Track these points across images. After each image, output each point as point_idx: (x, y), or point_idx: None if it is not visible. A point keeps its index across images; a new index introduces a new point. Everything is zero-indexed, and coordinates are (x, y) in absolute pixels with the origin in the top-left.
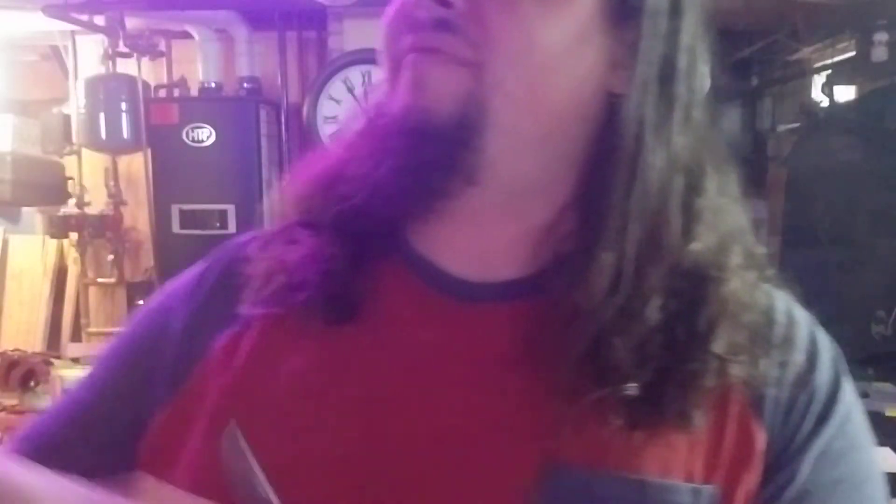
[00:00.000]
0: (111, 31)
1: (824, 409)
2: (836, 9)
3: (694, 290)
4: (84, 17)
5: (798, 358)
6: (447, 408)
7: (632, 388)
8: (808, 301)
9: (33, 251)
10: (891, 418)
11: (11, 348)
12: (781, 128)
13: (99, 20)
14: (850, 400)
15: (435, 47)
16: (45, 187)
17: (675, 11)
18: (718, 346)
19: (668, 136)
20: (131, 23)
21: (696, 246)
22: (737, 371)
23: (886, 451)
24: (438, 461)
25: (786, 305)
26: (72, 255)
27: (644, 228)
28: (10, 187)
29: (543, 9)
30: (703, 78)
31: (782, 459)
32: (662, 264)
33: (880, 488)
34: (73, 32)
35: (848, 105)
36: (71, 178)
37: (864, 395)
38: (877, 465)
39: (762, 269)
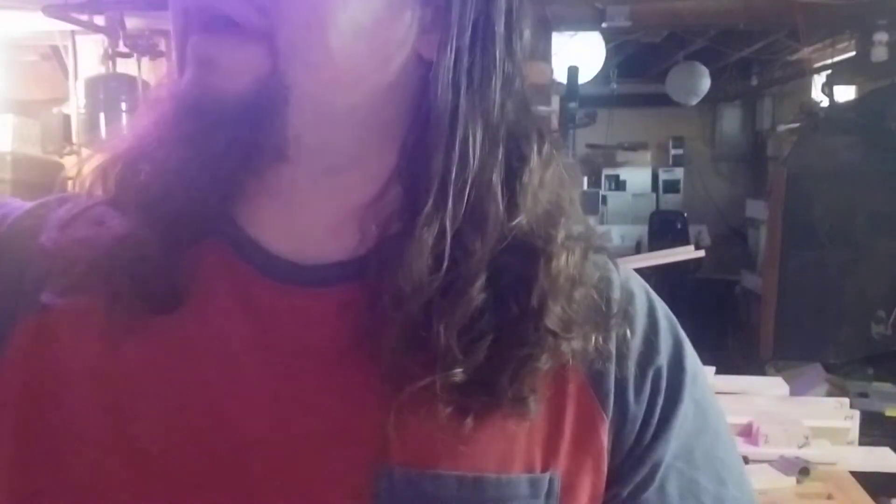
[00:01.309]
0: (111, 31)
1: (674, 383)
2: (836, 9)
3: (522, 266)
4: (84, 17)
5: (638, 334)
6: (272, 408)
7: (458, 374)
8: (808, 301)
9: None
10: (891, 418)
11: None
12: (781, 128)
13: (99, 20)
14: (692, 361)
15: (222, 12)
16: (45, 187)
17: None
18: (551, 322)
19: (488, 105)
20: (131, 23)
21: (521, 220)
22: (571, 348)
23: (886, 450)
24: (261, 471)
25: (621, 278)
26: None
27: (465, 202)
28: (10, 187)
29: None
30: (526, 45)
31: (643, 442)
32: (487, 240)
33: (730, 434)
34: (73, 32)
35: (848, 105)
36: (71, 178)
37: (864, 395)
38: (722, 413)
39: (592, 242)
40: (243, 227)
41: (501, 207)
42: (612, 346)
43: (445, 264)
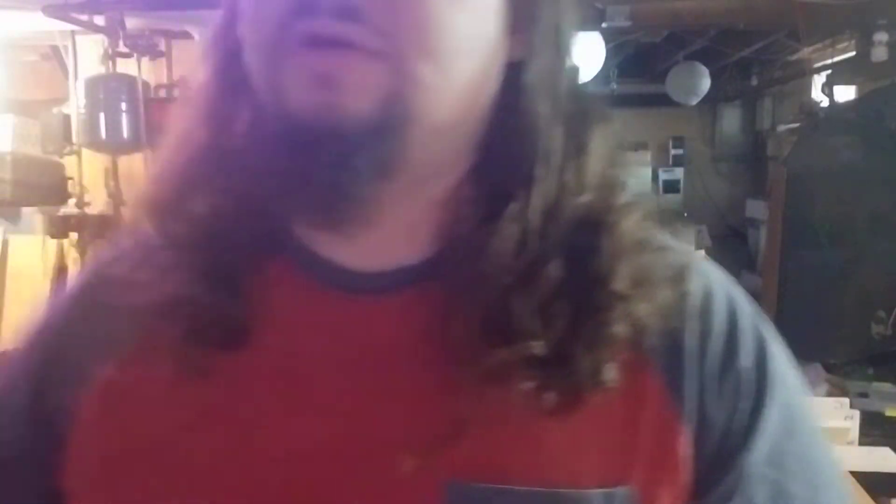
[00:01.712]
0: (111, 31)
1: (758, 386)
2: (836, 9)
3: (586, 236)
4: (84, 17)
5: (718, 334)
6: (342, 422)
7: (536, 347)
8: (808, 301)
9: (33, 251)
10: (891, 418)
11: (11, 348)
12: (781, 128)
13: (99, 20)
14: (778, 362)
15: (343, 39)
16: (45, 187)
17: None
18: (619, 285)
19: (562, 99)
20: (131, 23)
21: (587, 196)
22: (642, 310)
23: (886, 450)
24: (331, 487)
25: (701, 276)
26: (72, 255)
27: (545, 193)
28: (10, 187)
29: None
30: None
31: (726, 450)
32: (561, 222)
33: (823, 439)
34: (73, 32)
35: (848, 105)
36: (71, 178)
37: (864, 395)
38: (814, 416)
39: (645, 206)
40: (304, 241)
41: (572, 190)
42: (692, 348)
43: (528, 252)
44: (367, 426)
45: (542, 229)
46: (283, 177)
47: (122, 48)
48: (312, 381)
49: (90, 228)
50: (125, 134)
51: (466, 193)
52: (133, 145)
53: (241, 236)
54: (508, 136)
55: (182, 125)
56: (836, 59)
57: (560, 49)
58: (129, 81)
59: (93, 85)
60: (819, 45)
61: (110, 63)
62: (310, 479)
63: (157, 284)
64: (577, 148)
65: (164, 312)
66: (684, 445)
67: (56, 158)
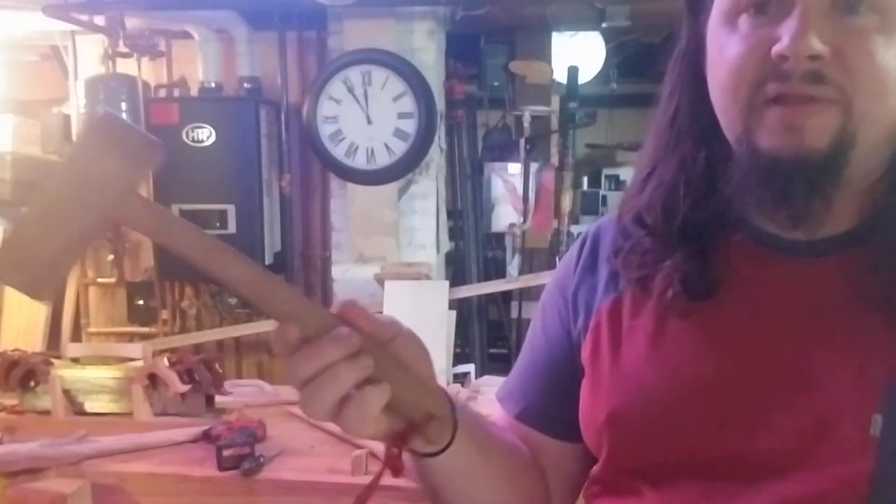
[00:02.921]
0: (111, 31)
1: None
2: None
3: None
4: (84, 17)
5: None
6: (792, 347)
7: None
8: None
9: None
10: None
11: (11, 348)
12: None
13: (99, 20)
14: None
15: (808, 96)
16: None
17: None
18: None
19: None
20: (131, 23)
21: None
22: None
23: None
24: (790, 387)
25: None
26: None
27: None
28: (10, 187)
29: (893, 43)
30: None
31: None
32: None
33: None
34: (73, 32)
35: None
36: None
37: None
38: None
39: None
40: (751, 221)
41: None
42: None
43: None
44: (809, 349)
45: None
46: (760, 195)
47: (122, 48)
48: (768, 320)
49: None
50: None
51: (887, 182)
52: None
53: (707, 226)
54: None
55: (652, 151)
56: None
57: None
58: (129, 81)
59: (93, 85)
60: None
61: (110, 63)
62: (771, 384)
63: (643, 256)
64: None
65: (651, 274)
66: None
67: (56, 158)
